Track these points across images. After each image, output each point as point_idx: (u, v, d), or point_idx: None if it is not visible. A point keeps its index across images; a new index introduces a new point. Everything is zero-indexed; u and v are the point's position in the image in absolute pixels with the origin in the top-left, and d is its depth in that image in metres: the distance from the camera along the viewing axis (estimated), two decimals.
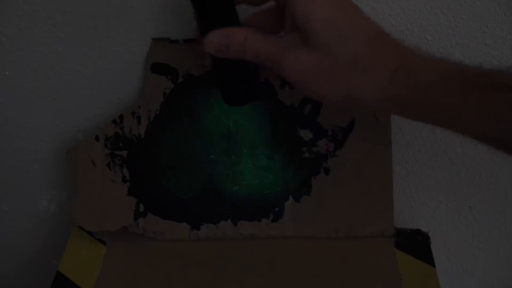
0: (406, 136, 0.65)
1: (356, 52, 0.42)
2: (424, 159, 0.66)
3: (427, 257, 0.61)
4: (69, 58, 0.61)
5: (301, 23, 0.42)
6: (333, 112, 0.60)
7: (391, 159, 0.61)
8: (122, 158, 0.62)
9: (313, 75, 0.43)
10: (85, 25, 0.59)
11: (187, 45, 0.59)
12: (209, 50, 0.46)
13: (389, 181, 0.61)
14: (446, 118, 0.44)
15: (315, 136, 0.61)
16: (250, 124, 0.61)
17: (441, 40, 0.59)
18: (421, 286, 0.58)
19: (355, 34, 0.42)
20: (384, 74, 0.42)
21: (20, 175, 0.68)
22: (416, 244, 0.62)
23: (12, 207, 0.71)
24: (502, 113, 0.41)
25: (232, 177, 0.62)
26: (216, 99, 0.60)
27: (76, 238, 0.64)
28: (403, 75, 0.42)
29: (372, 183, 0.61)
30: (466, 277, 0.74)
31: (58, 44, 0.60)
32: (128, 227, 0.63)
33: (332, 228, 0.62)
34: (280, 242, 0.62)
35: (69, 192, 0.69)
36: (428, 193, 0.68)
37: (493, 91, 0.41)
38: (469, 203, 0.69)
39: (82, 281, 0.59)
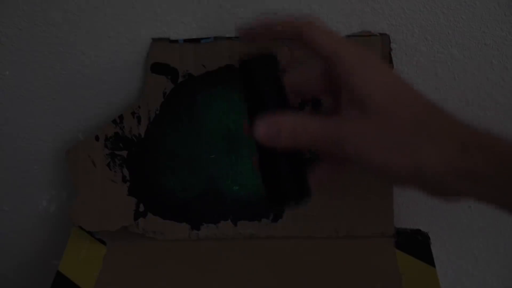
0: None
1: (418, 117, 0.39)
2: None
3: (427, 257, 0.61)
4: (69, 58, 0.61)
5: (359, 92, 0.40)
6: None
7: None
8: (122, 158, 0.62)
9: (377, 145, 0.39)
10: (85, 25, 0.59)
11: (187, 45, 0.59)
12: (259, 139, 0.42)
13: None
14: None
15: None
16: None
17: (441, 40, 0.59)
18: (421, 286, 0.58)
19: (415, 100, 0.40)
20: (452, 142, 0.39)
21: (20, 175, 0.68)
22: (416, 244, 0.62)
23: (12, 207, 0.71)
24: None
25: (232, 177, 0.62)
26: (216, 99, 0.60)
27: (76, 238, 0.64)
28: (475, 145, 0.39)
29: (372, 183, 0.61)
30: (466, 277, 0.74)
31: (58, 44, 0.60)
32: (128, 227, 0.63)
33: (332, 228, 0.62)
34: (280, 242, 0.62)
35: (69, 192, 0.69)
36: None
37: None
38: (469, 203, 0.69)
39: (82, 281, 0.59)
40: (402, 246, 0.62)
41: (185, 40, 0.59)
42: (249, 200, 0.63)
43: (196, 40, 0.59)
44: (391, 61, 0.59)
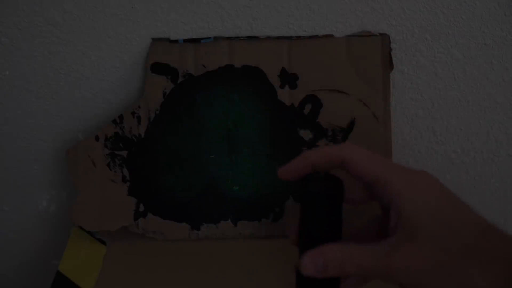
0: (406, 136, 0.65)
1: (468, 242, 0.39)
2: (424, 159, 0.66)
3: None
4: (69, 58, 0.61)
5: (408, 217, 0.39)
6: (333, 112, 0.60)
7: (391, 159, 0.61)
8: (122, 158, 0.62)
9: (428, 274, 0.38)
10: (85, 25, 0.59)
11: (187, 45, 0.59)
12: (306, 272, 0.42)
13: None
14: None
15: (315, 136, 0.61)
16: (250, 124, 0.61)
17: (441, 40, 0.59)
18: None
19: (466, 224, 0.40)
20: (505, 267, 0.38)
21: (20, 175, 0.68)
22: None
23: (12, 207, 0.71)
24: None
25: (232, 177, 0.62)
26: (216, 99, 0.60)
27: (76, 238, 0.64)
28: None
29: None
30: None
31: (58, 44, 0.60)
32: (128, 227, 0.63)
33: None
34: (280, 242, 0.62)
35: (69, 192, 0.69)
36: None
37: None
38: (469, 203, 0.69)
39: (82, 281, 0.59)
40: None
41: (185, 40, 0.59)
42: (249, 200, 0.63)
43: (196, 40, 0.59)
44: (391, 61, 0.59)
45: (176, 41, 0.59)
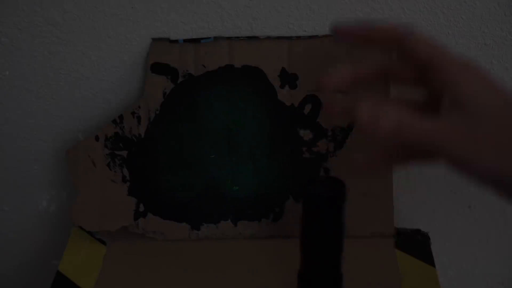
0: None
1: None
2: None
3: (427, 257, 0.61)
4: (69, 58, 0.61)
5: (465, 93, 0.38)
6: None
7: None
8: (122, 158, 0.62)
9: (488, 149, 0.36)
10: (85, 25, 0.59)
11: (187, 45, 0.59)
12: (360, 121, 0.39)
13: (389, 181, 0.61)
14: None
15: (315, 136, 0.61)
16: (250, 124, 0.61)
17: (441, 40, 0.59)
18: (421, 286, 0.58)
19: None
20: None
21: (20, 175, 0.68)
22: (416, 244, 0.62)
23: (12, 207, 0.71)
24: None
25: (232, 177, 0.62)
26: (216, 99, 0.60)
27: (76, 238, 0.64)
28: None
29: (372, 183, 0.61)
30: (466, 277, 0.74)
31: (58, 44, 0.60)
32: (128, 227, 0.63)
33: None
34: (280, 242, 0.62)
35: (69, 192, 0.69)
36: (428, 193, 0.68)
37: None
38: (469, 203, 0.69)
39: (82, 281, 0.59)
40: (402, 246, 0.62)
41: (185, 40, 0.59)
42: (249, 200, 0.63)
43: (196, 40, 0.59)
44: None
45: (176, 41, 0.59)
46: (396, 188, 0.66)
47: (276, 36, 0.59)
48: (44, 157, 0.67)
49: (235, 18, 0.59)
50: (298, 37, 0.59)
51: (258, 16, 0.59)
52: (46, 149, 0.67)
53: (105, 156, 0.62)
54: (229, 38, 0.59)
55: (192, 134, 0.61)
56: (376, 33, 0.41)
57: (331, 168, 0.61)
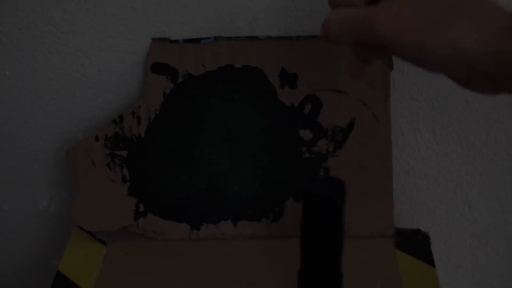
0: (406, 136, 0.65)
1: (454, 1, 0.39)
2: (424, 159, 0.66)
3: (427, 257, 0.61)
4: (69, 58, 0.61)
5: None
6: (333, 112, 0.60)
7: (391, 159, 0.61)
8: (122, 158, 0.62)
9: (411, 26, 0.39)
10: (85, 25, 0.59)
11: (187, 45, 0.59)
12: (322, 35, 0.44)
13: (389, 181, 0.61)
14: None
15: (315, 136, 0.61)
16: (250, 124, 0.61)
17: None
18: (421, 286, 0.58)
19: None
20: (494, 23, 0.38)
21: (20, 175, 0.68)
22: (416, 244, 0.62)
23: (12, 207, 0.71)
24: None
25: (232, 177, 0.62)
26: (216, 99, 0.60)
27: (76, 238, 0.64)
28: None
29: (372, 183, 0.61)
30: (466, 277, 0.74)
31: (58, 44, 0.60)
32: (128, 227, 0.63)
33: None
34: (280, 242, 0.62)
35: (69, 192, 0.69)
36: (428, 193, 0.68)
37: None
38: (469, 203, 0.69)
39: (82, 281, 0.59)
40: (402, 246, 0.62)
41: (185, 40, 0.59)
42: (249, 200, 0.63)
43: (196, 40, 0.59)
44: (391, 61, 0.59)
45: (176, 41, 0.59)
46: (396, 188, 0.66)
47: (276, 36, 0.59)
48: (44, 157, 0.67)
49: (235, 18, 0.59)
50: (298, 37, 0.59)
51: (258, 16, 0.59)
52: (46, 149, 0.67)
53: (105, 156, 0.62)
54: (229, 38, 0.59)
55: (192, 134, 0.61)
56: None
57: (331, 168, 0.61)
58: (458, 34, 0.38)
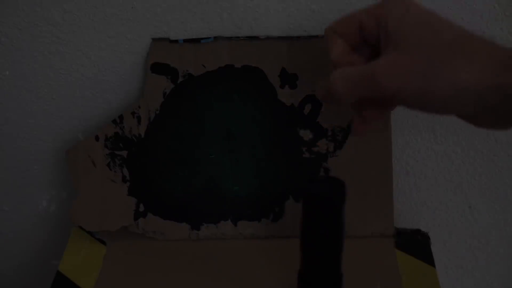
0: (406, 136, 0.65)
1: (453, 41, 0.40)
2: (424, 159, 0.66)
3: (427, 257, 0.61)
4: (69, 58, 0.61)
5: (392, 29, 0.41)
6: (333, 112, 0.60)
7: (391, 159, 0.61)
8: (122, 158, 0.62)
9: (413, 73, 0.40)
10: (85, 25, 0.59)
11: (187, 45, 0.59)
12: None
13: (389, 181, 0.61)
14: None
15: (315, 136, 0.61)
16: (250, 124, 0.61)
17: None
18: (421, 286, 0.58)
19: (450, 28, 0.41)
20: (492, 61, 0.39)
21: (20, 175, 0.68)
22: (416, 244, 0.62)
23: (12, 207, 0.71)
24: None
25: (232, 177, 0.62)
26: (216, 99, 0.60)
27: (76, 238, 0.64)
28: None
29: (372, 183, 0.61)
30: (466, 277, 0.74)
31: (58, 44, 0.60)
32: (128, 227, 0.63)
33: None
34: (280, 242, 0.62)
35: (69, 192, 0.69)
36: (428, 193, 0.68)
37: None
38: (469, 203, 0.69)
39: (82, 281, 0.59)
40: (402, 246, 0.62)
41: (185, 40, 0.59)
42: (249, 200, 0.63)
43: (196, 40, 0.59)
44: None
45: (176, 41, 0.59)
46: (396, 188, 0.66)
47: (276, 36, 0.59)
48: (44, 157, 0.67)
49: (235, 18, 0.59)
50: (298, 37, 0.59)
51: (258, 16, 0.59)
52: (46, 149, 0.67)
53: (105, 156, 0.62)
54: (229, 38, 0.59)
55: (192, 134, 0.61)
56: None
57: (331, 168, 0.61)
58: (458, 73, 0.39)
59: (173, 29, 0.59)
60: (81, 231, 0.64)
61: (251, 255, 0.61)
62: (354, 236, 0.62)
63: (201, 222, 0.63)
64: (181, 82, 0.60)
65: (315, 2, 0.58)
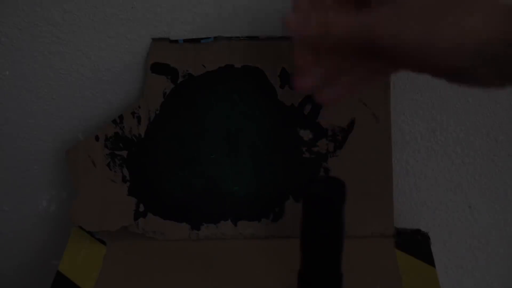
0: (406, 136, 0.65)
1: None
2: (424, 159, 0.66)
3: (427, 257, 0.61)
4: (69, 58, 0.61)
5: None
6: (333, 112, 0.60)
7: (391, 159, 0.61)
8: (122, 158, 0.62)
9: (413, 22, 0.38)
10: (85, 25, 0.59)
11: (187, 45, 0.59)
12: (288, 28, 0.41)
13: (389, 181, 0.61)
14: None
15: (315, 136, 0.61)
16: (250, 124, 0.61)
17: None
18: (421, 286, 0.58)
19: None
20: (494, 10, 0.37)
21: (20, 175, 0.68)
22: (416, 244, 0.62)
23: (12, 207, 0.71)
24: None
25: (232, 177, 0.62)
26: (216, 99, 0.60)
27: (76, 238, 0.64)
28: None
29: (372, 183, 0.61)
30: (466, 277, 0.74)
31: (58, 44, 0.60)
32: (128, 227, 0.63)
33: None
34: (280, 242, 0.62)
35: (69, 192, 0.69)
36: (428, 193, 0.68)
37: None
38: (469, 203, 0.69)
39: (82, 281, 0.59)
40: (402, 246, 0.62)
41: (185, 40, 0.59)
42: (249, 200, 0.63)
43: (196, 40, 0.59)
44: None
45: (176, 41, 0.59)
46: (396, 188, 0.66)
47: (276, 36, 0.59)
48: (44, 157, 0.67)
49: (235, 18, 0.59)
50: None
51: (258, 16, 0.59)
52: (46, 149, 0.67)
53: (105, 156, 0.62)
54: (229, 38, 0.59)
55: (192, 134, 0.61)
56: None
57: (331, 168, 0.61)
58: (461, 21, 0.37)
59: (173, 29, 0.59)
60: (81, 231, 0.64)
61: (251, 255, 0.61)
62: (354, 236, 0.62)
63: (201, 222, 0.63)
64: (181, 82, 0.60)
65: None
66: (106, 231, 0.63)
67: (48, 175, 0.68)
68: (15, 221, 0.72)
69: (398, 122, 0.63)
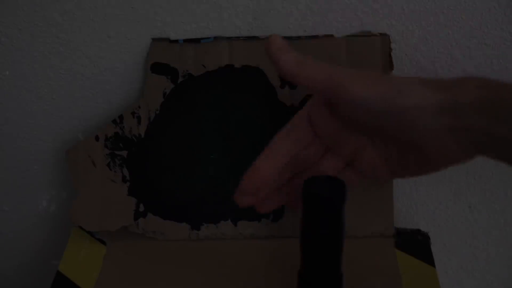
0: None
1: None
2: None
3: (427, 257, 0.61)
4: (69, 58, 0.61)
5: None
6: None
7: None
8: (122, 158, 0.62)
9: (354, 80, 0.44)
10: (85, 25, 0.59)
11: (187, 45, 0.59)
12: (267, 50, 0.46)
13: (389, 181, 0.61)
14: None
15: None
16: (250, 124, 0.61)
17: (441, 40, 0.59)
18: (421, 286, 0.58)
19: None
20: (389, 84, 0.43)
21: (20, 175, 0.68)
22: (416, 244, 0.62)
23: (12, 207, 0.71)
24: None
25: (232, 178, 0.62)
26: (216, 99, 0.60)
27: (76, 238, 0.64)
28: (485, 90, 0.39)
29: (372, 183, 0.61)
30: (466, 277, 0.74)
31: (58, 44, 0.60)
32: (128, 227, 0.63)
33: None
34: (280, 242, 0.62)
35: (69, 192, 0.69)
36: (428, 193, 0.68)
37: None
38: (469, 203, 0.69)
39: (82, 281, 0.59)
40: (402, 246, 0.62)
41: (185, 40, 0.59)
42: None
43: (196, 40, 0.59)
44: (391, 61, 0.59)
45: (176, 41, 0.59)
46: (396, 188, 0.66)
47: None
48: (44, 157, 0.67)
49: (235, 18, 0.59)
50: (298, 37, 0.59)
51: (258, 16, 0.59)
52: (46, 149, 0.67)
53: (105, 156, 0.62)
54: (229, 38, 0.59)
55: (192, 134, 0.61)
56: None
57: None
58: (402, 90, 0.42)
59: (173, 29, 0.59)
60: (81, 231, 0.64)
61: (251, 255, 0.61)
62: (354, 236, 0.62)
63: (201, 222, 0.63)
64: (181, 82, 0.60)
65: (315, 2, 0.58)
66: (106, 231, 0.63)
67: (48, 175, 0.68)
68: (15, 221, 0.72)
69: None
